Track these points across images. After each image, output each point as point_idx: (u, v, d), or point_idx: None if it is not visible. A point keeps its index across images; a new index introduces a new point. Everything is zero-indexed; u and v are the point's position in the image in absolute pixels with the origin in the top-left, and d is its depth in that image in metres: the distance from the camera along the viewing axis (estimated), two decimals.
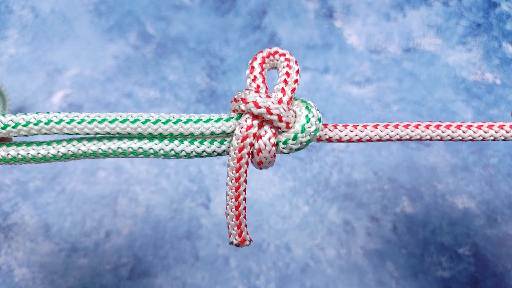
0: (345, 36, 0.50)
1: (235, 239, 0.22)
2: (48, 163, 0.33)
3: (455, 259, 0.41)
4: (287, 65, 0.22)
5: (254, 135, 0.22)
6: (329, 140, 0.23)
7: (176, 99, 0.47)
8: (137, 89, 0.47)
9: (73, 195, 0.43)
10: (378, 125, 0.24)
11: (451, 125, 0.24)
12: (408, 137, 0.24)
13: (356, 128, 0.23)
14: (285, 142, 0.22)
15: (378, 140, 0.24)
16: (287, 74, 0.22)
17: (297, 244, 0.41)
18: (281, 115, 0.21)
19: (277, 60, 0.23)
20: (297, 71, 0.22)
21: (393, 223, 0.42)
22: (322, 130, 0.23)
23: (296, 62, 0.22)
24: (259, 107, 0.21)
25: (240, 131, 0.22)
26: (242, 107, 0.22)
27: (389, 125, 0.23)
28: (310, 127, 0.22)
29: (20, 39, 0.49)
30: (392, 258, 0.41)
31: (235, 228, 0.22)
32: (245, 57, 0.48)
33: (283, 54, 0.22)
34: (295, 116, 0.22)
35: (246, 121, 0.22)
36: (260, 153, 0.22)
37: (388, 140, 0.24)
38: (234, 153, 0.22)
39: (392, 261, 0.41)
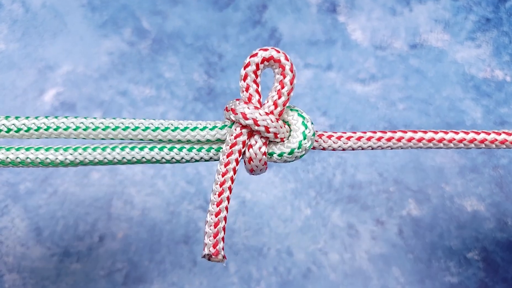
0: (349, 31, 0.50)
1: (209, 249, 0.23)
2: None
3: (463, 264, 0.41)
4: (282, 73, 0.23)
5: (244, 142, 0.23)
6: (323, 149, 0.25)
7: (173, 97, 0.47)
8: (132, 86, 0.47)
9: (65, 197, 0.43)
10: (372, 137, 0.25)
11: (444, 139, 0.25)
12: (400, 148, 0.25)
13: (350, 140, 0.25)
14: (280, 155, 0.24)
15: (371, 149, 0.25)
16: (281, 84, 0.23)
17: (299, 248, 0.41)
18: (268, 126, 0.23)
19: (272, 66, 0.23)
20: (292, 80, 0.23)
21: (399, 226, 0.42)
22: (316, 141, 0.25)
23: (291, 68, 0.23)
24: (247, 119, 0.23)
25: (230, 139, 0.23)
26: (232, 117, 0.23)
27: (382, 137, 0.25)
28: (306, 143, 0.24)
29: (10, 35, 0.49)
30: (398, 263, 0.41)
31: (211, 237, 0.23)
32: (244, 53, 0.49)
33: (278, 60, 0.23)
34: (290, 130, 0.24)
35: (235, 129, 0.23)
36: (251, 162, 0.24)
37: (379, 149, 0.25)
38: (222, 158, 0.23)
39: (398, 266, 0.41)
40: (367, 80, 0.48)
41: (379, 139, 0.25)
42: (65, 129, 0.24)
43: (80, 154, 0.24)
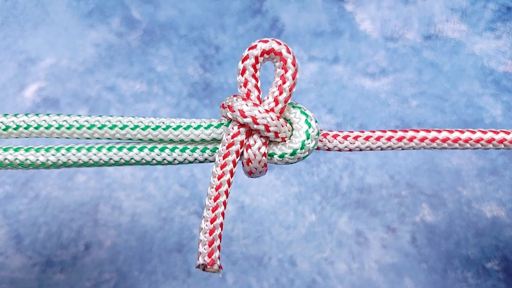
0: (357, 21, 0.50)
1: (204, 259, 0.23)
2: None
3: (482, 275, 0.41)
4: (283, 67, 0.23)
5: (242, 143, 0.23)
6: (328, 150, 0.25)
7: (165, 93, 0.47)
8: (120, 81, 0.47)
9: (48, 202, 0.43)
10: (381, 136, 0.25)
11: (459, 138, 0.25)
12: (411, 148, 0.25)
13: (357, 140, 0.25)
14: (281, 156, 0.24)
15: (380, 150, 0.25)
16: (283, 78, 0.23)
17: (303, 257, 0.42)
18: (269, 125, 0.23)
19: (272, 59, 0.23)
20: (294, 74, 0.23)
21: (411, 233, 0.42)
22: (321, 141, 0.25)
23: (294, 62, 0.23)
24: (245, 117, 0.23)
25: (226, 138, 0.23)
26: (229, 115, 0.23)
27: (392, 137, 0.25)
28: (309, 143, 0.24)
29: None
30: (411, 274, 0.41)
31: (206, 246, 0.23)
32: (243, 45, 0.49)
33: (279, 53, 0.23)
34: (292, 129, 0.24)
35: (233, 128, 0.23)
36: (250, 163, 0.24)
37: (389, 149, 0.26)
38: (218, 159, 0.23)
39: (410, 277, 0.41)
40: (377, 74, 0.48)
41: (389, 138, 0.25)
42: (46, 128, 0.24)
43: (63, 155, 0.24)
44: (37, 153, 0.24)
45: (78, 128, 0.24)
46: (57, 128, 0.24)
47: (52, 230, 0.42)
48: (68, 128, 0.24)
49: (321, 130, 0.25)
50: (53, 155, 0.24)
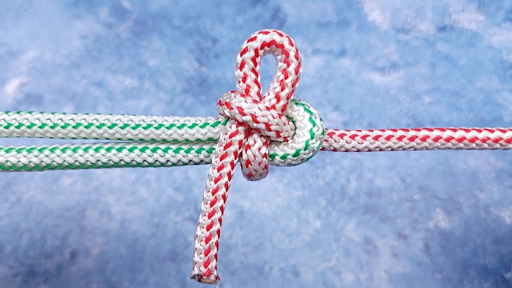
0: (366, 11, 0.50)
1: (199, 269, 0.23)
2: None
3: (501, 286, 0.41)
4: (285, 60, 0.23)
5: (240, 143, 0.23)
6: (334, 150, 0.25)
7: (158, 89, 0.47)
8: (109, 76, 0.47)
9: (31, 206, 0.43)
10: (391, 136, 0.25)
11: (477, 138, 0.25)
12: (424, 149, 0.26)
13: (365, 140, 0.25)
14: (283, 157, 0.24)
15: (390, 150, 0.25)
16: (284, 73, 0.23)
17: (307, 267, 0.42)
18: (270, 123, 0.23)
19: (274, 52, 0.23)
20: (297, 68, 0.23)
21: (425, 241, 0.42)
22: (326, 141, 0.25)
23: (296, 55, 0.23)
24: (244, 114, 0.23)
25: (224, 138, 0.23)
26: (227, 112, 0.23)
27: (404, 136, 0.25)
28: (314, 143, 0.24)
29: None
30: (424, 284, 0.41)
31: (202, 255, 0.23)
32: (242, 37, 0.49)
33: (281, 45, 0.23)
34: (294, 128, 0.24)
35: (231, 127, 0.23)
36: (250, 165, 0.24)
37: (400, 149, 0.26)
38: (215, 161, 0.24)
39: None
40: (387, 68, 0.48)
41: (400, 138, 0.25)
42: (28, 127, 0.24)
43: (46, 156, 0.24)
44: (19, 154, 0.24)
45: (63, 127, 0.24)
46: (40, 127, 0.24)
47: (35, 237, 0.42)
48: (52, 127, 0.24)
49: (326, 129, 0.25)
50: (35, 156, 0.24)
